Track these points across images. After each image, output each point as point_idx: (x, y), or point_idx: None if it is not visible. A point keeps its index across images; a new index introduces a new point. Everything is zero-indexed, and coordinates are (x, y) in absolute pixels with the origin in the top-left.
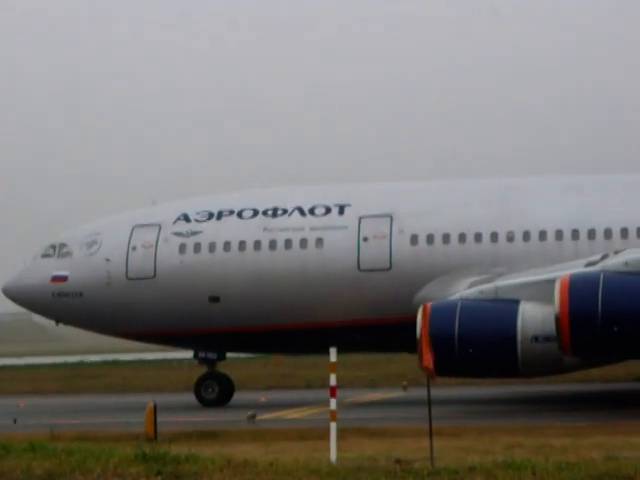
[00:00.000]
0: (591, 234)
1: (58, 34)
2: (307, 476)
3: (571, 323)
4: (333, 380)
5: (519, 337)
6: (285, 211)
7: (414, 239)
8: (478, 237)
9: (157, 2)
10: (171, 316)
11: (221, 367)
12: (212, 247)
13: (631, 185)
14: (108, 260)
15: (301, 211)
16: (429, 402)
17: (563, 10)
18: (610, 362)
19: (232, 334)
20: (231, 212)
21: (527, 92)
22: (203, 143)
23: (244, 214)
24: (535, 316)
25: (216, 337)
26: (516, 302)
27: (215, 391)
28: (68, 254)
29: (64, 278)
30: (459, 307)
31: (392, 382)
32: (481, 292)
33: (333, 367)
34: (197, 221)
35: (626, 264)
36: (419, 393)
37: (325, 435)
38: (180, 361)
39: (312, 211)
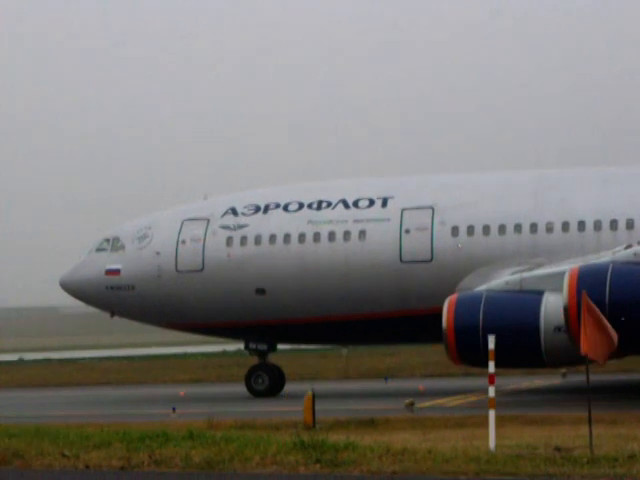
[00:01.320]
0: (629, 224)
1: None
2: (465, 464)
3: (579, 314)
4: (492, 367)
5: (542, 327)
6: (329, 204)
7: (455, 231)
8: (518, 228)
9: None
10: (219, 308)
11: (375, 355)
12: (258, 240)
13: None
14: (158, 253)
15: (345, 204)
16: (588, 389)
17: None
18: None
19: (278, 326)
20: (277, 205)
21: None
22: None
23: (290, 207)
24: (558, 307)
25: (263, 328)
26: (540, 293)
27: (265, 382)
28: (121, 248)
29: (117, 271)
30: (484, 298)
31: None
32: (507, 283)
33: (491, 354)
34: (244, 215)
35: (635, 255)
36: (578, 380)
37: (484, 423)
38: (339, 349)
39: (356, 204)
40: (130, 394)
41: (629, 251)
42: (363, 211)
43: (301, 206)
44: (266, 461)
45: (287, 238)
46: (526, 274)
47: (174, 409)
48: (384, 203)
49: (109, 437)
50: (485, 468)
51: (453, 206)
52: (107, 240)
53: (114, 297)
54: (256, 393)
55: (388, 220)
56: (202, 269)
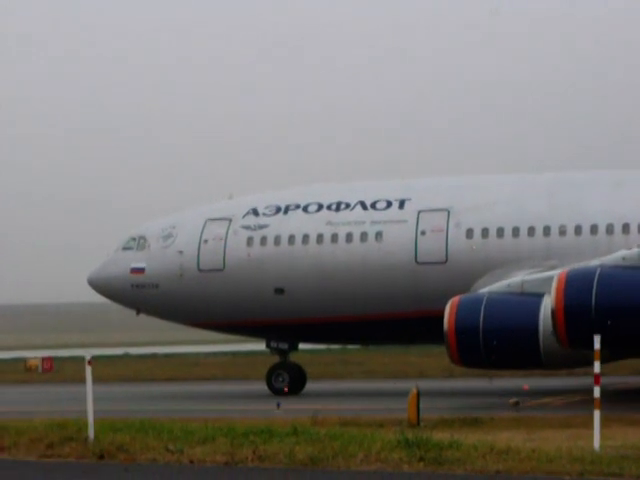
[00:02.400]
0: None
1: None
2: (570, 464)
3: (566, 317)
4: (597, 367)
5: (541, 330)
6: (348, 205)
7: (469, 233)
8: (531, 231)
9: None
10: (239, 307)
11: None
12: (277, 240)
13: None
14: (181, 252)
15: (363, 205)
16: None
17: None
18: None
19: (297, 325)
20: (297, 206)
21: None
22: None
23: (309, 208)
24: None
25: (282, 327)
26: (540, 296)
27: (285, 380)
28: (146, 246)
29: (142, 270)
30: (485, 300)
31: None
32: (509, 286)
33: (597, 355)
34: (265, 215)
35: (624, 259)
36: None
37: (588, 423)
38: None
39: (374, 205)
40: (234, 389)
41: (617, 255)
42: (380, 213)
43: (320, 207)
44: (370, 458)
45: (305, 239)
46: (527, 277)
47: (279, 405)
48: (401, 205)
49: (213, 432)
50: (589, 468)
51: (468, 208)
52: (133, 239)
53: (139, 295)
54: (276, 391)
55: (405, 222)
56: (223, 268)
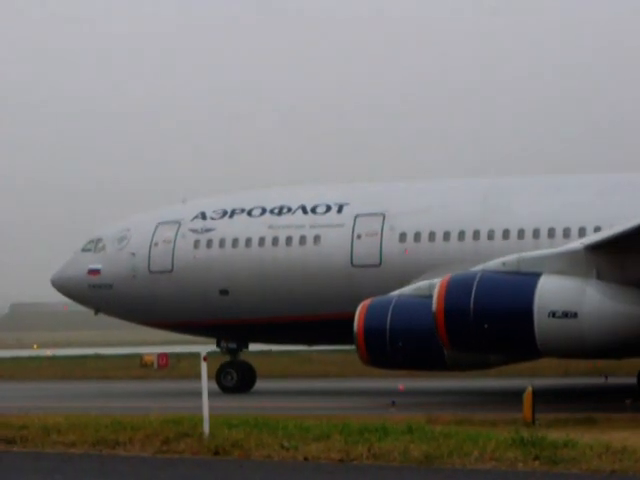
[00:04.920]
0: (566, 232)
1: None
2: None
3: (446, 320)
4: None
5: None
6: (290, 209)
7: (403, 237)
8: (461, 235)
9: None
10: (187, 307)
11: None
12: (222, 243)
13: (614, 185)
14: (134, 254)
15: (304, 209)
16: None
17: None
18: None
19: (241, 325)
20: (242, 210)
21: None
22: None
23: (254, 212)
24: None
25: (229, 328)
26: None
27: (234, 379)
28: (103, 249)
29: (98, 271)
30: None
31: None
32: (504, 264)
33: None
34: (212, 219)
35: (504, 264)
36: None
37: None
38: None
39: (314, 210)
40: (348, 387)
41: (498, 261)
42: (320, 217)
43: (264, 211)
44: (485, 457)
45: (248, 242)
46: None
47: (394, 403)
48: (340, 209)
49: (328, 429)
50: None
51: (403, 213)
52: (92, 241)
53: (96, 295)
54: (225, 389)
55: (342, 226)
56: (171, 270)
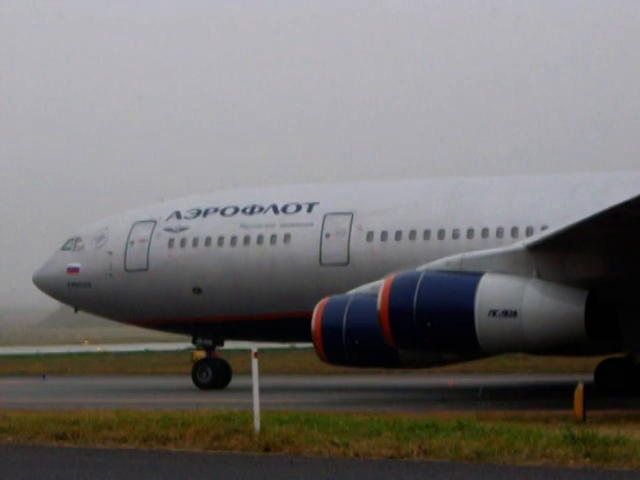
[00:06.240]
0: (529, 231)
1: None
2: None
3: (390, 319)
4: None
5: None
6: (261, 209)
7: (370, 236)
8: (427, 234)
9: None
10: (162, 305)
11: None
12: (195, 242)
13: (581, 184)
14: (111, 253)
15: (275, 209)
16: None
17: None
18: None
19: (215, 323)
20: (216, 210)
21: None
22: None
23: (227, 211)
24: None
25: (203, 325)
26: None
27: (209, 376)
28: (82, 247)
29: (77, 269)
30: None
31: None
32: (447, 264)
33: None
34: (186, 218)
35: (448, 264)
36: None
37: None
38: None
39: (285, 209)
40: (399, 383)
41: (442, 260)
42: (290, 216)
43: (236, 210)
44: (536, 454)
45: (221, 241)
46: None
47: (444, 400)
48: (310, 208)
49: (379, 426)
50: None
51: (371, 212)
52: (71, 240)
53: (75, 293)
54: (201, 386)
55: (311, 225)
56: (147, 269)
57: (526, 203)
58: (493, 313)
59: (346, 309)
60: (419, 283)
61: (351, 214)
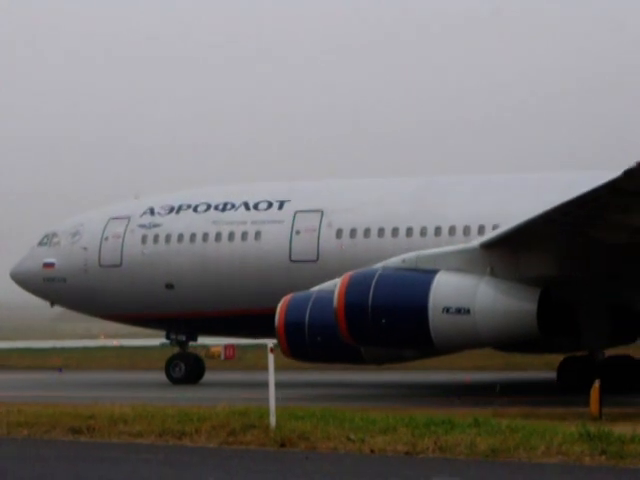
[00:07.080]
0: (496, 229)
1: None
2: None
3: (346, 315)
4: None
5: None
6: (233, 206)
7: (339, 233)
8: (395, 232)
9: None
10: (136, 301)
11: None
12: (168, 238)
13: (549, 184)
14: (85, 249)
15: (247, 206)
16: None
17: None
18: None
19: (188, 318)
20: (189, 206)
21: None
22: None
23: (199, 208)
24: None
25: (176, 320)
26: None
27: (182, 370)
28: (57, 243)
29: (52, 265)
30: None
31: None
32: (403, 261)
33: None
34: (159, 214)
35: (403, 261)
36: None
37: None
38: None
39: (256, 206)
40: (416, 379)
41: (398, 258)
42: (261, 213)
43: (209, 207)
44: (551, 451)
45: (193, 237)
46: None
47: (459, 397)
48: (281, 206)
49: (394, 422)
50: None
51: (340, 209)
52: (47, 235)
53: (50, 288)
54: (174, 381)
55: (282, 222)
56: (120, 264)
57: (493, 201)
58: (447, 310)
59: (309, 306)
60: (375, 280)
61: (321, 212)
